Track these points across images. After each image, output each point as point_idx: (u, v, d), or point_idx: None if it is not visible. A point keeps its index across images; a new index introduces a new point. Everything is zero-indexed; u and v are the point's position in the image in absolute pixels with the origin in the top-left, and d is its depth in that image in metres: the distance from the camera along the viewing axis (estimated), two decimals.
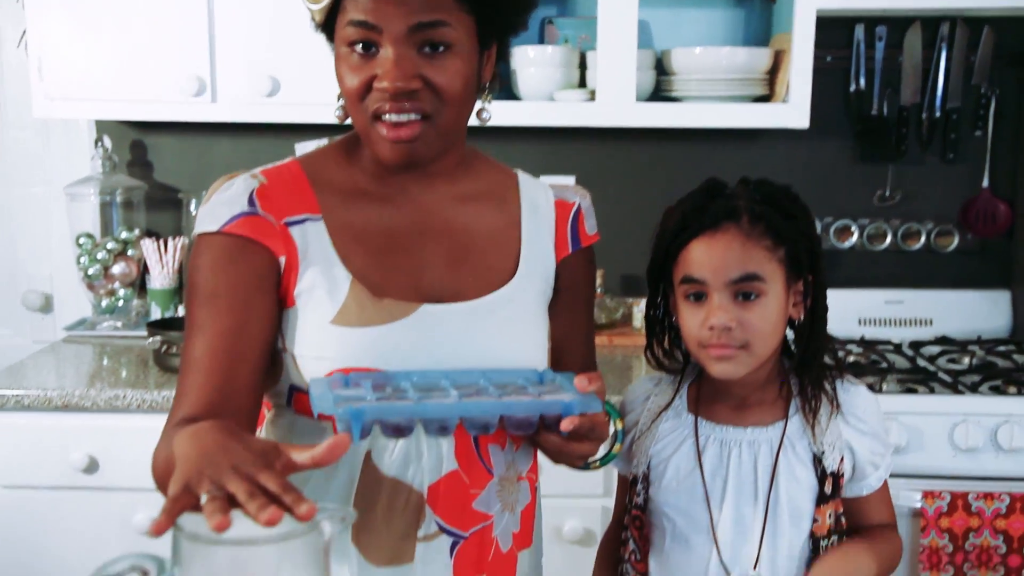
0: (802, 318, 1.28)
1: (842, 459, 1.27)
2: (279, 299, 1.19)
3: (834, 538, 1.27)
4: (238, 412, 1.12)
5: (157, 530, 0.81)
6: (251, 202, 1.18)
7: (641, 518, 1.32)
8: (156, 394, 2.13)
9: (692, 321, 1.25)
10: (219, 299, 1.16)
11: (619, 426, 1.25)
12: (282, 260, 1.18)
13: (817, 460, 1.26)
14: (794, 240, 1.24)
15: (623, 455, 1.35)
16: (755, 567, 1.25)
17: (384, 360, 1.17)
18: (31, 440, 2.15)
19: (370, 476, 1.19)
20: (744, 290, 1.22)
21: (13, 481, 2.16)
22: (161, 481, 1.08)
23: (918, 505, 2.00)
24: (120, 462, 2.14)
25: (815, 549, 1.26)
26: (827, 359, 1.30)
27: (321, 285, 1.18)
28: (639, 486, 1.32)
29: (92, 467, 2.14)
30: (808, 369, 1.28)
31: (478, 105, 1.24)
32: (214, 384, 1.13)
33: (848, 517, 1.31)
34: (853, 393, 1.29)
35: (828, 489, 1.26)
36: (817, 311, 1.28)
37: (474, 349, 1.21)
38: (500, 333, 1.23)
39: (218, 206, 1.18)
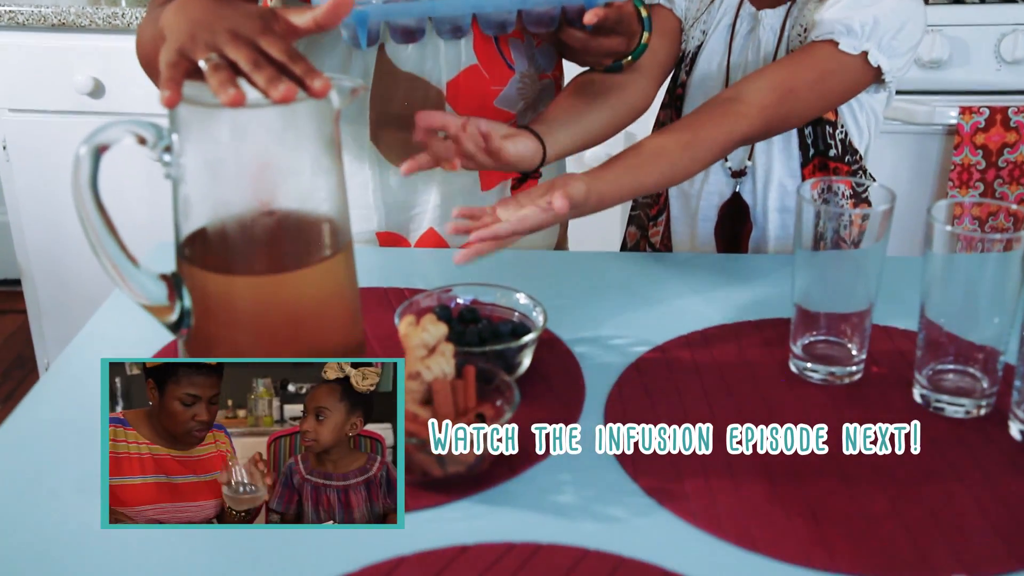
0: None
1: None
2: None
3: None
4: None
5: (169, 102, 0.75)
6: None
7: (682, 98, 1.26)
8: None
9: None
10: None
11: (645, 13, 1.15)
12: None
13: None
14: None
15: (670, 30, 1.25)
16: (749, 158, 1.20)
17: None
18: (31, 62, 2.07)
19: (385, 71, 1.14)
20: None
21: (18, 104, 2.10)
22: (148, 59, 1.03)
23: (953, 122, 1.93)
24: (127, 85, 2.07)
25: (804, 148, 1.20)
26: None
27: None
28: (684, 64, 1.25)
29: (98, 91, 2.08)
30: None
31: None
32: None
33: None
34: None
35: None
36: None
37: None
38: None
39: None
